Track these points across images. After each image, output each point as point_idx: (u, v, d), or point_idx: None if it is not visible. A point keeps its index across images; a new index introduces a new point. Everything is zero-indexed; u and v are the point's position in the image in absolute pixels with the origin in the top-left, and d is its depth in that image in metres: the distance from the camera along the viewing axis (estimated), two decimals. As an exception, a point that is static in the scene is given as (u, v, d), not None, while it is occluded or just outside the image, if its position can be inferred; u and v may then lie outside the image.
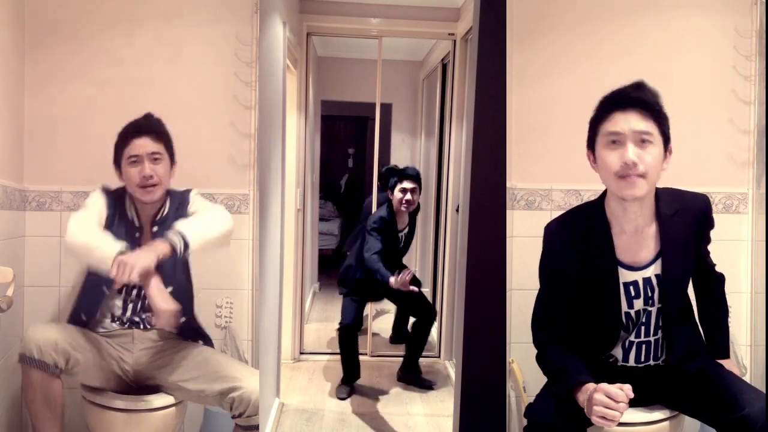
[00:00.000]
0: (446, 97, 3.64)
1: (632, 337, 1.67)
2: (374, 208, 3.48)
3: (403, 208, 3.21)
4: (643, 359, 1.68)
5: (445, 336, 3.58)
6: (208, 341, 2.03)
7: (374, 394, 3.15)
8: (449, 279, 3.48)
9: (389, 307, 3.89)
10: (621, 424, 1.50)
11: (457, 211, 3.14)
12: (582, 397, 1.51)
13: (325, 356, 3.65)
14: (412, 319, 3.35)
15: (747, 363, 2.25)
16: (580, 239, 1.64)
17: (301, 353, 3.67)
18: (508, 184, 1.96)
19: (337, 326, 3.15)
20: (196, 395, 1.86)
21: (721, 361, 1.70)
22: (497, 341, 1.84)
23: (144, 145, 1.89)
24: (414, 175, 3.20)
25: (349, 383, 3.16)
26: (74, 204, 2.17)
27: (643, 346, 1.67)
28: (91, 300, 1.93)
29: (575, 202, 2.18)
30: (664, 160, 1.57)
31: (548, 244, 1.70)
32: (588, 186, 2.13)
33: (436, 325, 3.31)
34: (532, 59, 2.17)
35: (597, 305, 1.65)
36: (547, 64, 2.21)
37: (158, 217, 1.94)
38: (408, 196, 3.18)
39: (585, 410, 1.48)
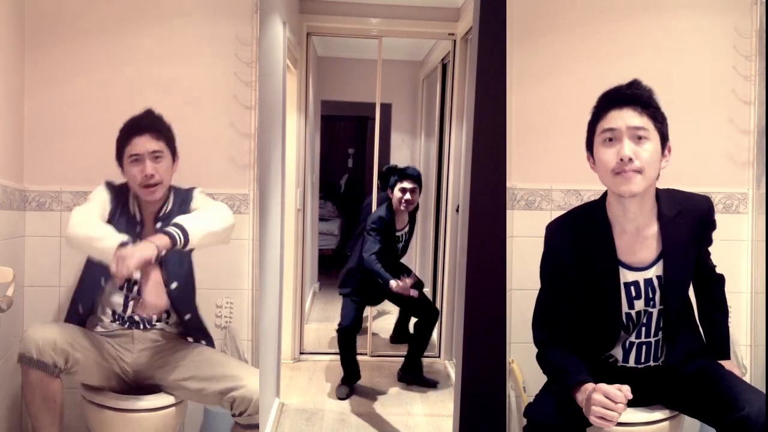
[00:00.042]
0: (446, 97, 3.64)
1: (632, 338, 1.67)
2: (374, 208, 3.47)
3: (402, 208, 3.21)
4: (643, 360, 1.68)
5: (445, 336, 3.58)
6: (209, 341, 2.03)
7: (374, 394, 3.15)
8: (449, 279, 3.47)
9: (389, 308, 3.88)
10: (621, 424, 1.51)
11: (457, 211, 3.14)
12: (581, 396, 1.51)
13: (325, 356, 3.64)
14: (413, 320, 3.35)
15: (747, 363, 2.25)
16: (581, 239, 1.64)
17: (301, 353, 3.66)
18: (508, 184, 1.96)
19: (336, 327, 3.15)
20: (197, 394, 1.86)
21: (721, 362, 1.70)
22: (497, 341, 1.84)
23: (145, 143, 1.88)
24: (414, 175, 3.20)
25: (349, 383, 3.15)
26: (74, 204, 2.17)
27: (644, 346, 1.67)
28: (89, 292, 1.93)
29: (575, 202, 2.18)
30: (663, 158, 1.57)
31: (549, 243, 1.70)
32: (588, 186, 2.13)
33: (436, 325, 3.31)
34: (532, 59, 2.18)
35: (597, 305, 1.65)
36: (547, 64, 2.21)
37: (161, 213, 1.94)
38: (408, 195, 3.18)
39: (584, 410, 1.48)
